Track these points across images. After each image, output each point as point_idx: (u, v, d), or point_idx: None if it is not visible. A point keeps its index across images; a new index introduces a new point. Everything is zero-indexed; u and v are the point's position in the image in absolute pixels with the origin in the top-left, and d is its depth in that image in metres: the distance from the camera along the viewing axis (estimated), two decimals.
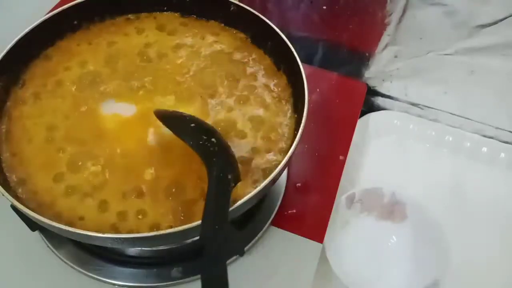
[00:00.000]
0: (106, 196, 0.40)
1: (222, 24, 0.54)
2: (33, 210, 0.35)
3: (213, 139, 0.37)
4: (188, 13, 0.54)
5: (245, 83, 0.49)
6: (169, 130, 0.41)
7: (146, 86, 0.48)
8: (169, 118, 0.42)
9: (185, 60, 0.50)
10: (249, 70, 0.50)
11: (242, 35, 0.53)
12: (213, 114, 0.46)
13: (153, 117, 0.42)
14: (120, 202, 0.40)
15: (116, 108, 0.46)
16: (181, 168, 0.41)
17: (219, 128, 0.44)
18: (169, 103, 0.46)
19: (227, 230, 0.32)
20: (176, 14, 0.54)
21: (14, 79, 0.47)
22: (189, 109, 0.46)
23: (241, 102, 0.47)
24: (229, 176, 0.35)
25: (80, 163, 0.41)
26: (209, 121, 0.45)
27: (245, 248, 0.49)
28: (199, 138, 0.38)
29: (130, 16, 0.54)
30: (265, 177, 0.38)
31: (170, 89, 0.48)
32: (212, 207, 0.33)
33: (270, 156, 0.43)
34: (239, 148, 0.43)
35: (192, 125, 0.39)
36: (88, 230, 0.35)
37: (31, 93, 0.46)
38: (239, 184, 0.37)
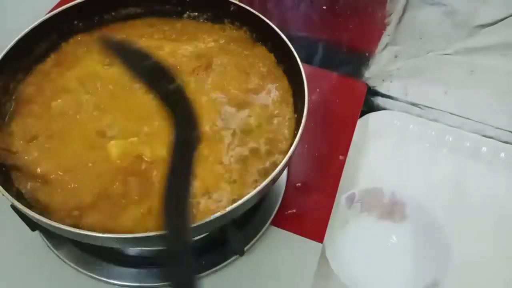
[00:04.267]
0: None
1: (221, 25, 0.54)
2: (33, 210, 0.35)
3: (172, 86, 0.31)
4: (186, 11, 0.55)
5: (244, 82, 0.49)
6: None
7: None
8: (118, 47, 0.34)
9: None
10: (247, 69, 0.50)
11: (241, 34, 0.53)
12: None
13: None
14: None
15: None
16: None
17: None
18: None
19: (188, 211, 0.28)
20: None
21: (15, 79, 0.47)
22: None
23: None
24: (194, 134, 0.30)
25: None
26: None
27: (245, 248, 0.49)
28: (156, 79, 0.32)
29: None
30: (265, 177, 0.38)
31: None
32: (173, 181, 0.28)
33: (270, 156, 0.43)
34: (238, 148, 0.43)
35: (147, 62, 0.32)
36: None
37: (32, 94, 0.46)
38: (238, 181, 0.37)
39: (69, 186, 0.40)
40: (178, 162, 0.29)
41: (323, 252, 0.52)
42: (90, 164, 0.41)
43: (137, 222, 0.38)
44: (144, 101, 0.46)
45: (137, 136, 0.42)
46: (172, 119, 0.30)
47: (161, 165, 0.41)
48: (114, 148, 0.41)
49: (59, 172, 0.41)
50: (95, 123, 0.44)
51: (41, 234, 0.49)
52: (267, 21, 0.49)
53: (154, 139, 0.42)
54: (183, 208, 0.28)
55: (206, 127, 0.44)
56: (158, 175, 0.40)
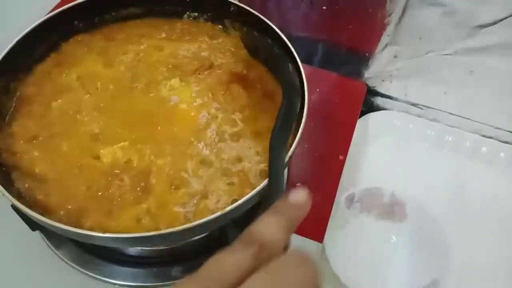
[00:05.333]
0: None
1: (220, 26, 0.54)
2: (34, 210, 0.35)
3: (291, 67, 0.45)
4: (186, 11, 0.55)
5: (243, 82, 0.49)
6: None
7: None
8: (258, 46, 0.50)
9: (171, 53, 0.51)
10: (247, 69, 0.50)
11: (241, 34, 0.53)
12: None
13: None
14: None
15: None
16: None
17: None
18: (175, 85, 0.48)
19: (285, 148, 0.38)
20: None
21: (15, 79, 0.47)
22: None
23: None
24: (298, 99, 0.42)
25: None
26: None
27: None
28: (285, 65, 0.45)
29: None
30: (265, 177, 0.38)
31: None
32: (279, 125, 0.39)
33: None
34: (238, 148, 0.43)
35: (278, 51, 0.47)
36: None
37: (33, 94, 0.46)
38: (237, 181, 0.39)
39: (66, 187, 0.40)
40: (284, 116, 0.40)
41: (323, 252, 0.53)
42: (85, 167, 0.41)
43: (136, 222, 0.38)
44: (143, 101, 0.47)
45: (128, 141, 0.43)
46: (284, 88, 0.43)
47: (153, 168, 0.41)
48: (104, 157, 0.42)
49: (58, 173, 0.41)
50: (90, 126, 0.44)
51: (41, 234, 0.49)
52: (267, 21, 0.49)
53: (145, 144, 0.43)
54: (284, 149, 0.38)
55: (198, 124, 0.45)
56: (152, 177, 0.41)
